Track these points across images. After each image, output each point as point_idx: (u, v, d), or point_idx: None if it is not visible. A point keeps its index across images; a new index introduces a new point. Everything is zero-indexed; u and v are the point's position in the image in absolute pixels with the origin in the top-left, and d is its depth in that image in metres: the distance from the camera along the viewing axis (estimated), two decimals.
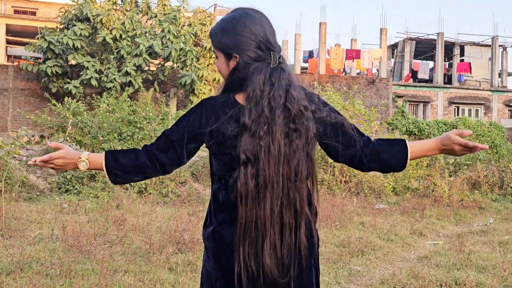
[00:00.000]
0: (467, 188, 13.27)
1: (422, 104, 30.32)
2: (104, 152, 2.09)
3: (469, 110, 31.64)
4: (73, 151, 2.10)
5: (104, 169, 2.05)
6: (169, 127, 2.09)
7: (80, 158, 2.07)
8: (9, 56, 30.77)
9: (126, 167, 2.06)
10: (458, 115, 30.64)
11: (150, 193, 11.23)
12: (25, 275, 4.97)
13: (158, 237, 6.51)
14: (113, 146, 11.89)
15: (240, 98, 1.99)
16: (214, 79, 20.51)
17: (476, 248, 7.34)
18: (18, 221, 7.88)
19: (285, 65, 2.01)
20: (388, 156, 2.09)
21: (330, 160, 12.81)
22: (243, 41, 1.96)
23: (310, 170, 1.99)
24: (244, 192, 1.88)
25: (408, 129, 24.87)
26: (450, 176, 14.06)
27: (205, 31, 20.27)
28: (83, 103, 13.94)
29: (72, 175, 11.48)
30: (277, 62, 1.97)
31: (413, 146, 2.12)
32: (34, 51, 18.81)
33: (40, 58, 19.55)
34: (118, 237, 6.63)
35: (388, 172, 2.11)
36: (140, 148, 2.10)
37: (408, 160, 2.11)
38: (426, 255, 6.88)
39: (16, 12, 33.37)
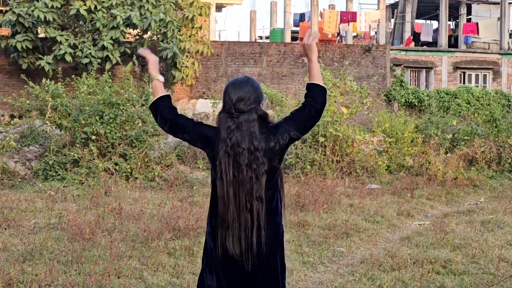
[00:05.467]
0: (463, 165, 14.63)
1: (424, 70, 31.41)
2: (161, 97, 3.66)
3: (476, 76, 32.80)
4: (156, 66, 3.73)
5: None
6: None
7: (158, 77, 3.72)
8: None
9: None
10: (464, 81, 31.82)
11: (136, 178, 12.47)
12: (40, 262, 6.31)
13: (155, 225, 7.86)
14: (95, 129, 12.92)
15: None
16: (197, 51, 21.51)
17: (458, 228, 8.76)
18: (11, 211, 9.15)
19: (247, 118, 3.42)
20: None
21: (322, 139, 14.05)
22: (225, 99, 3.49)
23: (261, 193, 3.39)
24: (221, 201, 3.39)
25: (407, 100, 25.84)
26: (446, 153, 15.39)
27: None
28: (62, 84, 14.88)
29: (55, 161, 12.65)
30: (236, 115, 3.41)
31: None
32: (2, 25, 19.76)
33: (1, 28, 20.31)
34: (115, 225, 7.98)
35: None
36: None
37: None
38: (408, 236, 8.28)
39: None
